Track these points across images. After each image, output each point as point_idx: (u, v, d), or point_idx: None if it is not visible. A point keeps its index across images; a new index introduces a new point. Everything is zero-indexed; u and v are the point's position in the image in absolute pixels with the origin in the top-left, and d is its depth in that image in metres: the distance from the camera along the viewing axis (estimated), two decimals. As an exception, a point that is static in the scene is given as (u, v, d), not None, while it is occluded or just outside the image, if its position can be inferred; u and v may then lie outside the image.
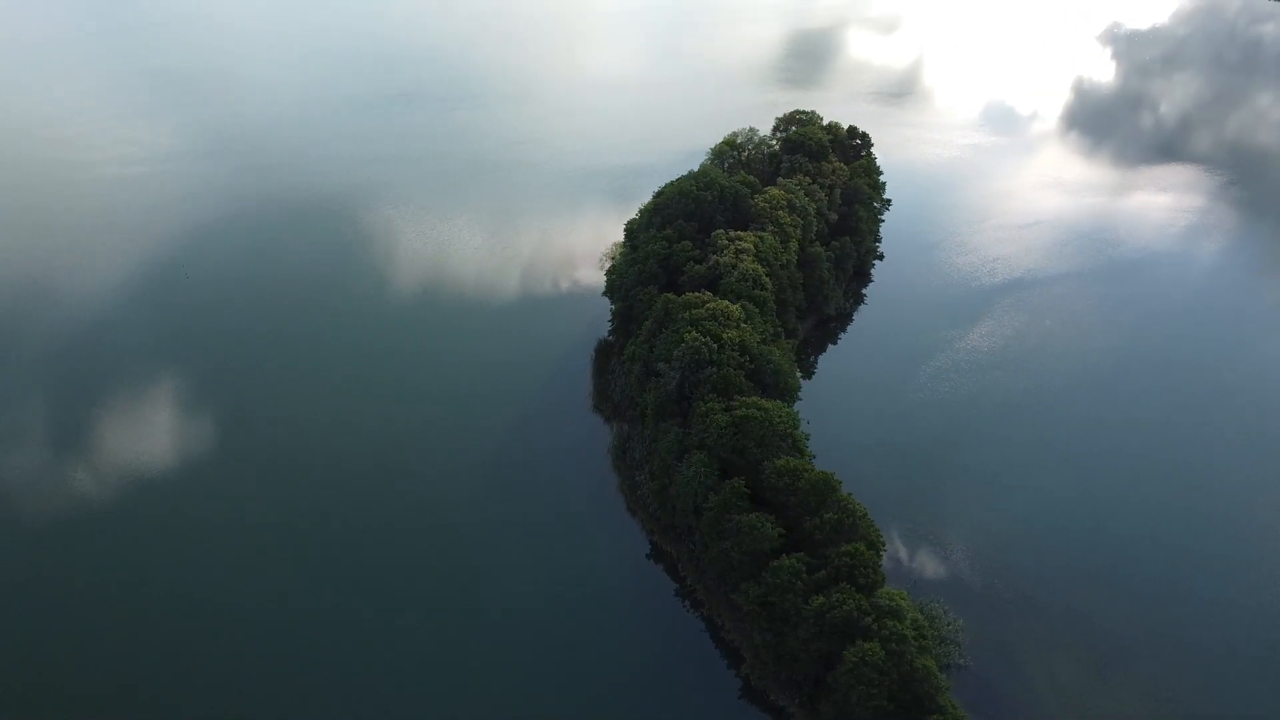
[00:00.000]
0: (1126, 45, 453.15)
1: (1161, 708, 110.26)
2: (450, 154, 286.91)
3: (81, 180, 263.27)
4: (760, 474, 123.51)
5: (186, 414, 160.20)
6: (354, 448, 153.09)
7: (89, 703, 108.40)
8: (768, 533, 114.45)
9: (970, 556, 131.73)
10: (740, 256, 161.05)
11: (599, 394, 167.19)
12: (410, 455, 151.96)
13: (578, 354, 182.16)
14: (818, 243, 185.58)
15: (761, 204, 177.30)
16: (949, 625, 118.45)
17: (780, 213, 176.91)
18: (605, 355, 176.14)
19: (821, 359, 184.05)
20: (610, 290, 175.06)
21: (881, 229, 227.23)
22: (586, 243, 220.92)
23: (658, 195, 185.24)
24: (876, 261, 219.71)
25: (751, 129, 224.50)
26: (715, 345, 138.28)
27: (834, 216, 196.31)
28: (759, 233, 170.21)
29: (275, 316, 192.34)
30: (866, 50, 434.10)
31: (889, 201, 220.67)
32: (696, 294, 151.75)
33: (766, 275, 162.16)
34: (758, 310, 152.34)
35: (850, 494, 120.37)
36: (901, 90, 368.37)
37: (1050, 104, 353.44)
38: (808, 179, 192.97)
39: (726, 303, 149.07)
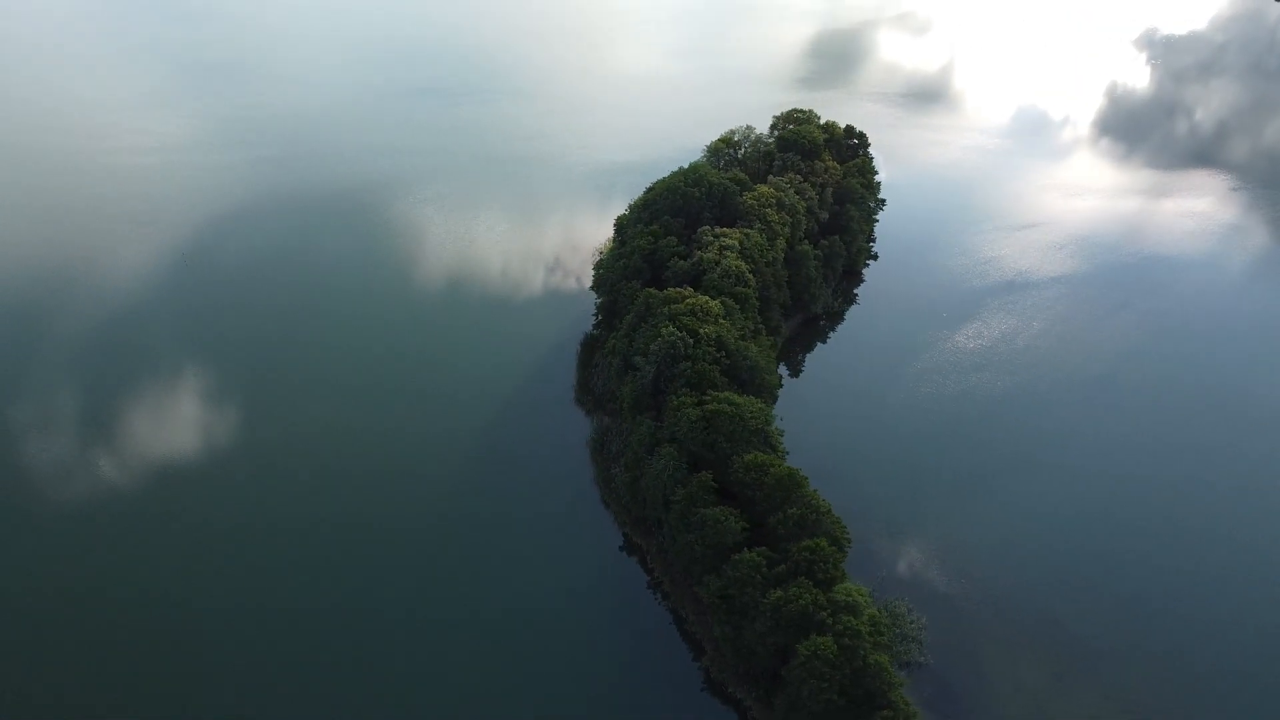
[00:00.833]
0: (1159, 51, 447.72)
1: (1122, 712, 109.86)
2: (457, 148, 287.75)
3: (105, 168, 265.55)
4: (729, 469, 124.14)
5: (156, 405, 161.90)
6: (334, 440, 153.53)
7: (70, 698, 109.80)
8: (731, 526, 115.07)
9: (941, 556, 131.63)
10: (724, 253, 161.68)
11: (582, 387, 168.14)
12: (391, 448, 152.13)
13: (566, 347, 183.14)
14: (807, 241, 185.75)
15: (750, 201, 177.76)
16: (912, 623, 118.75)
17: (768, 210, 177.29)
18: (591, 349, 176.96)
19: (807, 357, 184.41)
20: (597, 285, 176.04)
21: (878, 229, 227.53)
22: (585, 237, 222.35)
23: (648, 191, 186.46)
24: (870, 261, 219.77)
25: (749, 127, 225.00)
26: (691, 340, 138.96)
27: (825, 215, 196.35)
28: (745, 230, 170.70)
29: (267, 308, 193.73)
30: (892, 51, 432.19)
31: (883, 201, 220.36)
32: (677, 289, 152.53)
33: (750, 272, 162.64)
34: (738, 307, 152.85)
35: (816, 490, 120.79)
36: (918, 92, 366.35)
37: (1067, 109, 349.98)
38: (799, 177, 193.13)
39: (706, 298, 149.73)
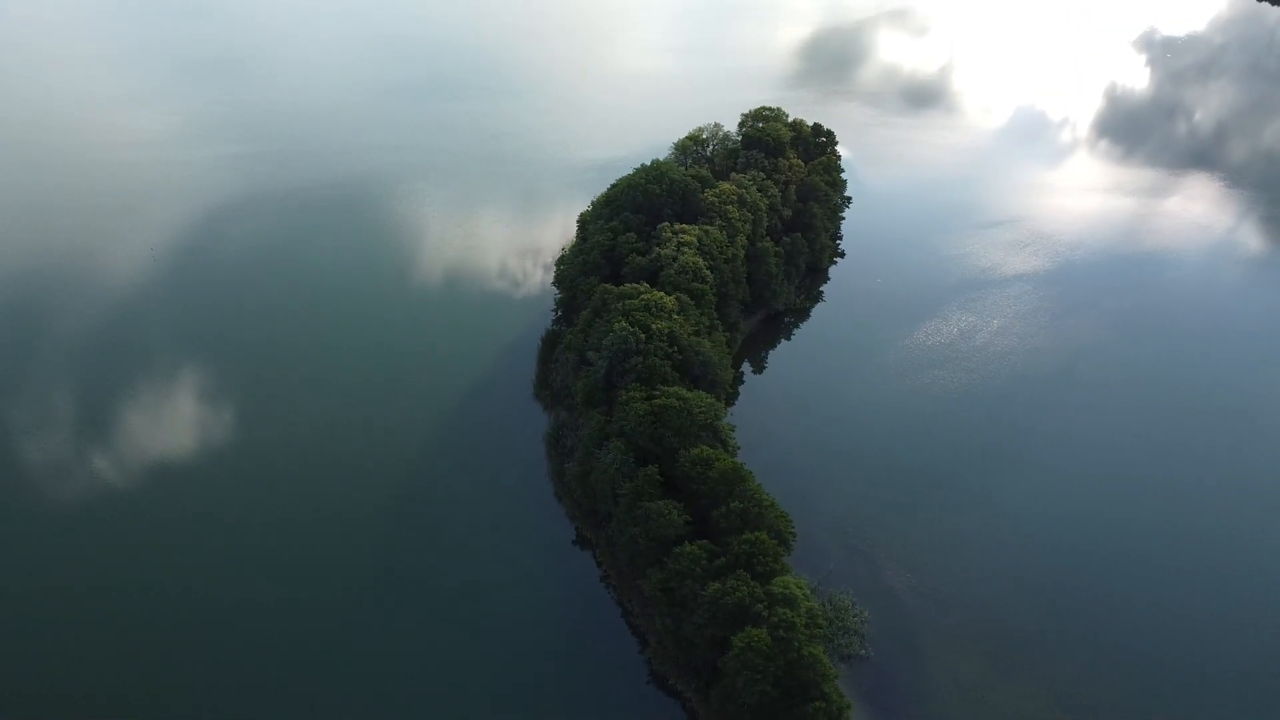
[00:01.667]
0: (1161, 51, 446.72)
1: (1061, 704, 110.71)
2: (436, 145, 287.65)
3: (99, 163, 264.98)
4: (676, 463, 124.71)
5: (119, 395, 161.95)
6: (291, 432, 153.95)
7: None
8: (674, 520, 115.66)
9: (888, 551, 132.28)
10: (682, 249, 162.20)
11: (541, 382, 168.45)
12: (348, 441, 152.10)
13: (528, 343, 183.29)
14: (768, 238, 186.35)
15: (711, 198, 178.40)
16: (855, 617, 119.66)
17: (729, 207, 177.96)
18: (552, 345, 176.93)
19: (770, 354, 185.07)
20: (558, 280, 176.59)
21: (851, 228, 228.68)
22: (557, 233, 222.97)
23: (612, 188, 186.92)
24: (838, 259, 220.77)
25: (717, 124, 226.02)
26: (643, 336, 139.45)
27: (788, 212, 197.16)
28: (705, 226, 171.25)
29: (234, 302, 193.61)
30: (883, 51, 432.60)
31: (849, 199, 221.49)
32: (633, 285, 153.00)
33: (708, 269, 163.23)
34: (693, 303, 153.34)
35: (761, 485, 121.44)
36: (905, 92, 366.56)
37: (1061, 109, 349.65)
38: (762, 174, 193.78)
39: (661, 294, 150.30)
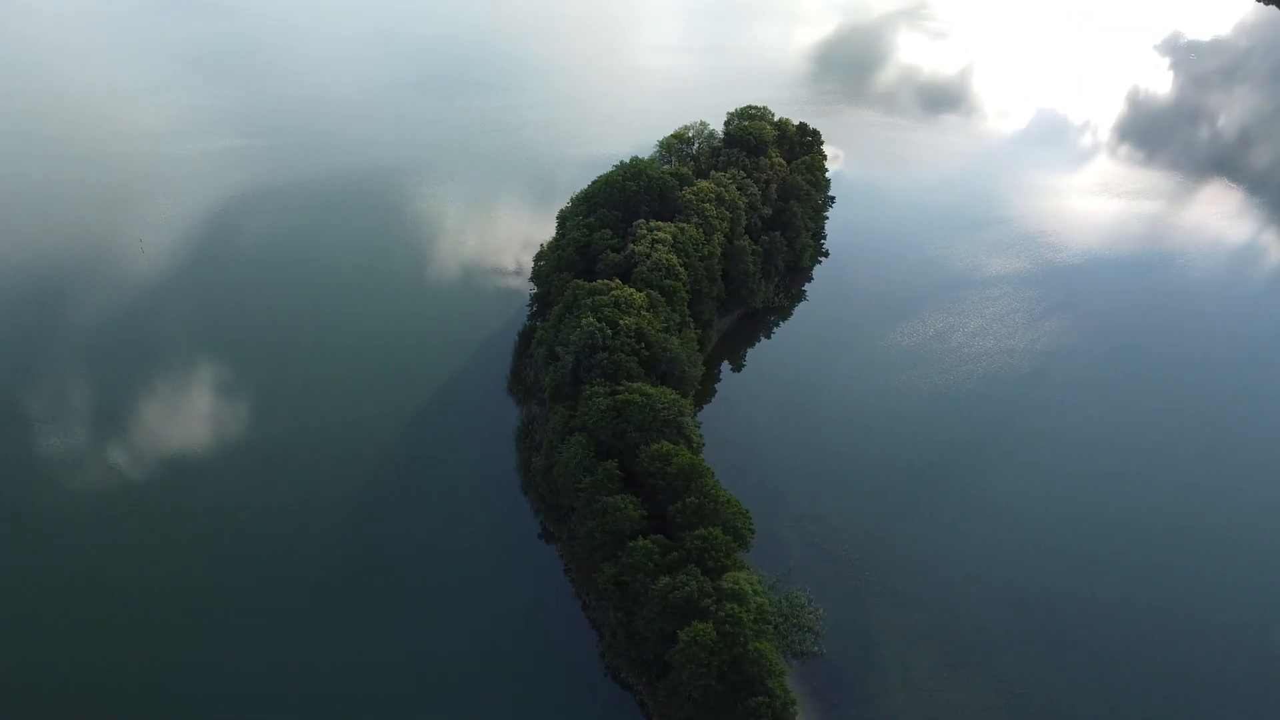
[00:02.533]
0: (1182, 57, 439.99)
1: (1008, 704, 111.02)
2: (432, 141, 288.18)
3: (114, 155, 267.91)
4: (637, 458, 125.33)
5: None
6: (264, 422, 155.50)
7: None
8: (629, 514, 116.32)
9: (851, 549, 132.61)
10: (656, 246, 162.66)
11: (515, 377, 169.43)
12: (321, 434, 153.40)
13: (506, 338, 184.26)
14: (747, 236, 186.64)
15: (688, 196, 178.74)
16: (811, 614, 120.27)
17: (707, 205, 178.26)
18: (528, 340, 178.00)
19: (743, 351, 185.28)
20: (535, 276, 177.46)
21: (837, 227, 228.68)
22: (542, 230, 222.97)
23: (592, 185, 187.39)
24: (822, 259, 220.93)
25: (702, 123, 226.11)
26: (610, 331, 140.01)
27: (768, 211, 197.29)
28: (681, 224, 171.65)
29: (219, 296, 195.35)
30: (894, 51, 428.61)
31: (832, 198, 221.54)
32: (605, 281, 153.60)
33: (682, 266, 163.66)
34: (664, 300, 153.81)
35: (718, 481, 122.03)
36: (911, 93, 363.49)
37: (1075, 112, 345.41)
38: (741, 173, 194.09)
39: (632, 290, 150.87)
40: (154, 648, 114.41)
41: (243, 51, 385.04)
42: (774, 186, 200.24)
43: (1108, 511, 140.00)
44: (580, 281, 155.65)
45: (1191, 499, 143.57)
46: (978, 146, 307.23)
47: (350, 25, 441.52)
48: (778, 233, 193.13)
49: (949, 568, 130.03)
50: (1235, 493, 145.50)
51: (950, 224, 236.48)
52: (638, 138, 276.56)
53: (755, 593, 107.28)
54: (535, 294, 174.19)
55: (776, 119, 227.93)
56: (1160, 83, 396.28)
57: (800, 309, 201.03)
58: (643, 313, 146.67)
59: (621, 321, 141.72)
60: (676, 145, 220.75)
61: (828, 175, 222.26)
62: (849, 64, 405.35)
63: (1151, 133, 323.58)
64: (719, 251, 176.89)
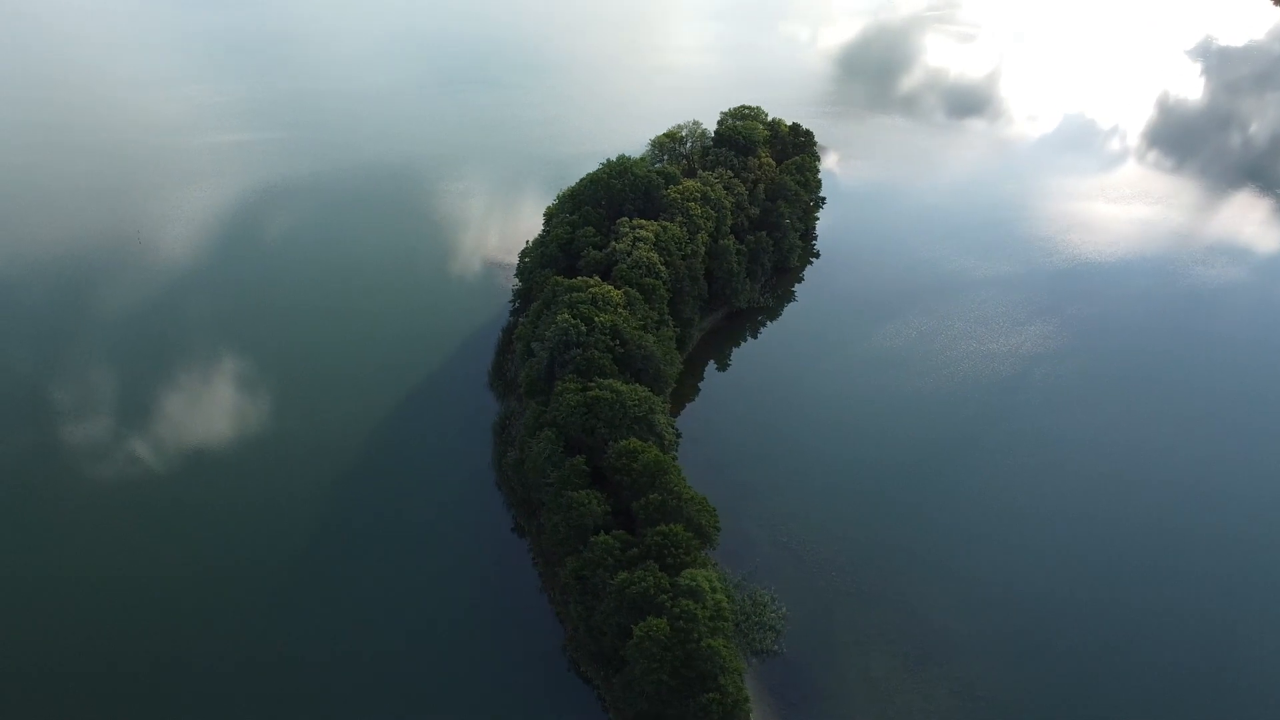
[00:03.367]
0: (1219, 62, 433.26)
1: (965, 706, 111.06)
2: (444, 137, 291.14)
3: (131, 145, 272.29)
4: (605, 454, 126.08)
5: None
6: (247, 415, 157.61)
7: None
8: (593, 509, 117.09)
9: (819, 549, 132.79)
10: (637, 244, 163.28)
11: (496, 372, 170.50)
12: (302, 426, 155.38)
13: (490, 333, 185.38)
14: (732, 235, 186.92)
15: (673, 194, 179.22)
16: (774, 613, 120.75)
17: (691, 204, 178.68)
18: (510, 335, 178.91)
19: (725, 351, 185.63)
20: (518, 272, 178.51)
21: (832, 228, 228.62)
22: (536, 226, 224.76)
23: (579, 182, 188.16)
24: (813, 259, 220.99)
25: (696, 122, 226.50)
26: (585, 328, 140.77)
27: (755, 211, 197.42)
28: (664, 222, 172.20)
29: (219, 286, 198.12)
30: (923, 55, 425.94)
31: (823, 199, 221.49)
32: (584, 278, 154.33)
33: (663, 264, 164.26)
34: (643, 298, 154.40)
35: (684, 478, 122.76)
36: (929, 97, 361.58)
37: (1083, 118, 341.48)
38: (729, 172, 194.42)
39: (610, 287, 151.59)
40: (157, 625, 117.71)
41: (261, 45, 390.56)
42: (762, 186, 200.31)
43: (1077, 516, 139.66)
44: (559, 278, 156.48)
45: (1162, 503, 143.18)
46: (992, 152, 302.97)
47: (374, 22, 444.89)
48: (764, 233, 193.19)
49: (916, 569, 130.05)
50: (1205, 496, 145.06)
51: (948, 229, 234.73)
52: (648, 136, 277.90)
53: (713, 590, 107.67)
54: (518, 290, 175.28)
55: (770, 119, 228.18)
56: (1190, 88, 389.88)
57: (789, 309, 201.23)
58: (619, 310, 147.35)
59: (597, 319, 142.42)
60: (669, 144, 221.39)
61: (820, 176, 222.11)
62: (865, 66, 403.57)
63: (1172, 139, 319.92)
64: (703, 250, 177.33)
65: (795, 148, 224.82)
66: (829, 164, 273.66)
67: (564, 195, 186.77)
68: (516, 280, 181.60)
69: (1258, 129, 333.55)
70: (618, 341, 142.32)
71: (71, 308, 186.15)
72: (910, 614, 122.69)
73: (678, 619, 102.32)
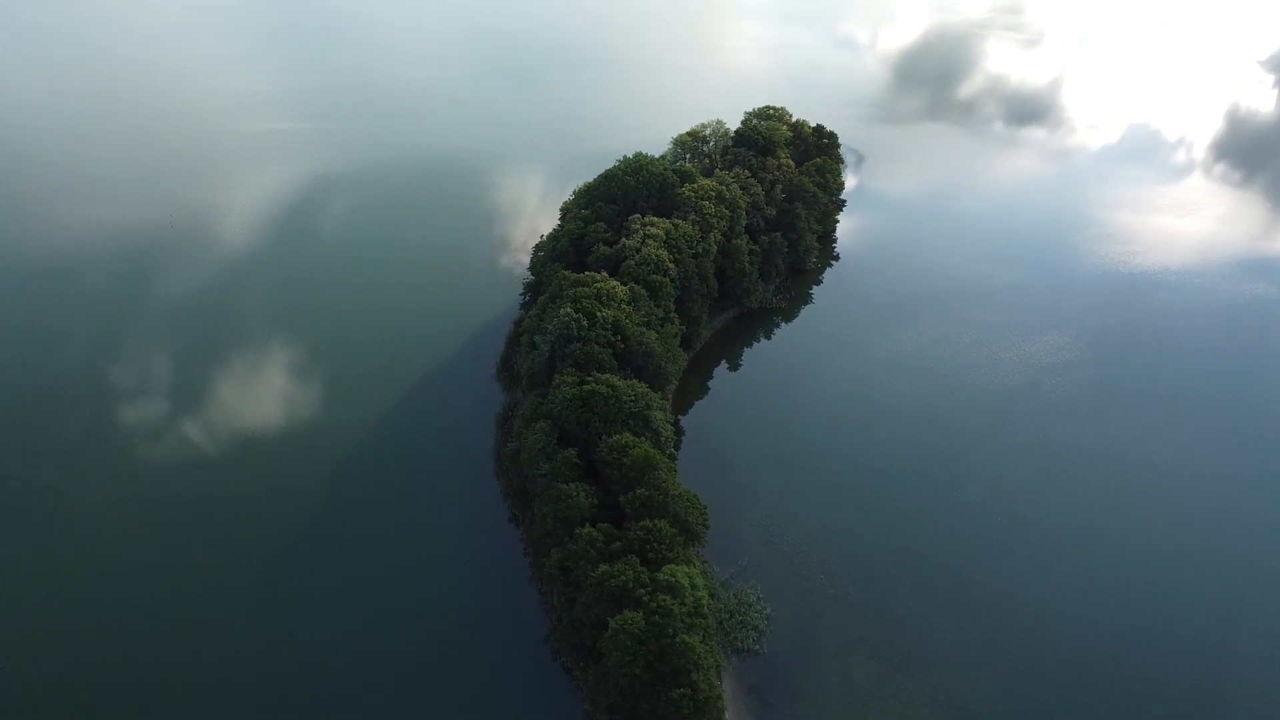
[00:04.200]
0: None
1: (945, 713, 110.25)
2: (486, 132, 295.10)
3: (168, 133, 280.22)
4: (598, 448, 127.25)
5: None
6: (249, 401, 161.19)
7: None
8: (580, 501, 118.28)
9: (809, 551, 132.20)
10: (647, 241, 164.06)
11: (504, 364, 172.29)
12: (310, 416, 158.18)
13: (503, 324, 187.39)
14: (746, 235, 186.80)
15: (687, 193, 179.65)
16: (757, 613, 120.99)
17: (705, 203, 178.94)
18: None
19: (734, 350, 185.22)
20: (532, 266, 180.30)
21: (856, 231, 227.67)
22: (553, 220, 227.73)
23: (596, 178, 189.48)
24: (834, 261, 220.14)
25: (719, 121, 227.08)
26: (586, 323, 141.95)
27: (772, 211, 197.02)
28: (676, 220, 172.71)
29: (239, 271, 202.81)
30: (987, 62, 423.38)
31: (843, 202, 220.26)
32: (590, 274, 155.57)
33: (672, 262, 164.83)
34: (648, 295, 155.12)
35: (675, 474, 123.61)
36: (978, 103, 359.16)
37: (1142, 129, 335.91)
38: (746, 172, 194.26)
39: (615, 283, 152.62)
40: (170, 602, 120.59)
41: (317, 38, 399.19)
42: (780, 187, 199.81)
43: (1071, 530, 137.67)
44: (566, 272, 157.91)
45: (1156, 519, 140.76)
46: (1032, 162, 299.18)
47: (437, 20, 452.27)
48: (779, 234, 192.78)
49: (906, 576, 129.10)
50: (1199, 514, 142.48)
51: (976, 237, 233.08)
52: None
53: (694, 587, 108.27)
54: (529, 283, 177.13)
55: (794, 120, 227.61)
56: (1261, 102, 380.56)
57: (804, 311, 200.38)
58: (623, 306, 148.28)
59: (599, 314, 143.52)
60: (690, 143, 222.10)
61: (842, 179, 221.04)
62: (916, 71, 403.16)
63: (1227, 152, 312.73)
64: (715, 249, 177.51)
65: (818, 149, 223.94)
66: (867, 168, 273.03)
67: (580, 191, 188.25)
68: (529, 274, 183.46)
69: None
70: (619, 337, 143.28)
71: (71, 296, 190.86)
72: (896, 621, 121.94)
73: (654, 614, 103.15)
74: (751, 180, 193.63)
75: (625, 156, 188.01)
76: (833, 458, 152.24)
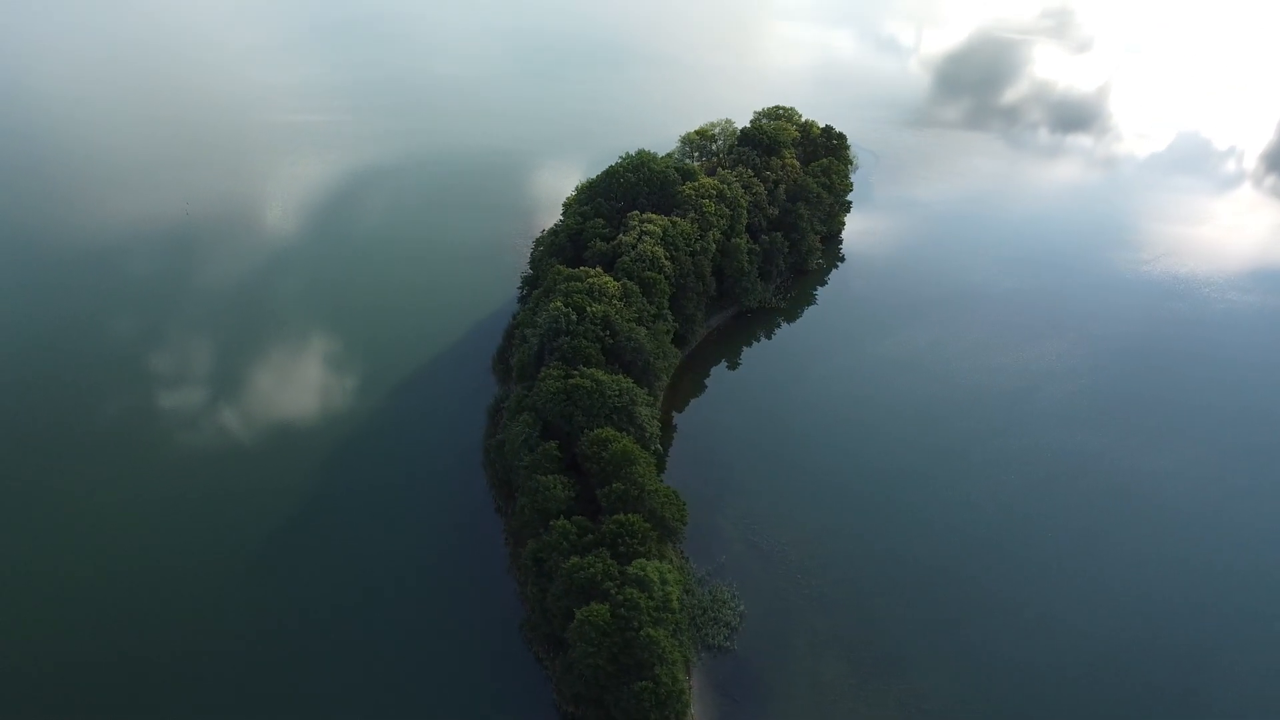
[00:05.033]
0: None
1: (914, 714, 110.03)
2: (511, 129, 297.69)
3: (196, 123, 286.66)
4: (579, 442, 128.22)
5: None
6: (250, 388, 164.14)
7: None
8: (557, 494, 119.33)
9: (788, 551, 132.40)
10: (643, 238, 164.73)
11: (500, 356, 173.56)
12: (304, 405, 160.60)
13: (501, 318, 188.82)
14: (746, 235, 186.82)
15: (688, 191, 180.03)
16: (730, 610, 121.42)
17: (706, 201, 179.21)
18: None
19: (730, 349, 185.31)
20: (531, 260, 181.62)
21: (865, 235, 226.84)
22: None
23: (599, 175, 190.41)
24: (839, 263, 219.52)
25: (728, 120, 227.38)
26: (575, 317, 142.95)
27: (774, 211, 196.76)
28: (674, 218, 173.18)
29: (237, 259, 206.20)
30: (1023, 69, 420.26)
31: (849, 204, 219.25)
32: (584, 269, 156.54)
33: (668, 259, 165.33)
34: (640, 291, 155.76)
35: (653, 470, 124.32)
36: (1013, 110, 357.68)
37: (1183, 138, 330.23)
38: (749, 171, 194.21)
39: (608, 278, 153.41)
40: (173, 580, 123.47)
41: (360, 32, 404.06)
42: (783, 187, 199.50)
43: (1054, 538, 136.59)
44: (561, 267, 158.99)
45: (1144, 527, 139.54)
46: (1049, 170, 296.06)
47: (480, 16, 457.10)
48: (780, 233, 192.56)
49: (883, 578, 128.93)
50: (1191, 523, 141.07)
51: (984, 242, 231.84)
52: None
53: (664, 582, 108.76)
54: (527, 277, 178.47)
55: (803, 120, 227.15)
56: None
57: (805, 311, 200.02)
58: (614, 301, 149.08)
59: (589, 308, 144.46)
60: (699, 141, 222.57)
61: (850, 180, 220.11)
62: (953, 77, 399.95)
63: (1245, 159, 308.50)
64: (713, 248, 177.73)
65: (826, 150, 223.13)
66: (881, 170, 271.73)
67: (583, 187, 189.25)
68: (528, 268, 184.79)
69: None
70: (608, 332, 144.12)
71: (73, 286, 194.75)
72: (870, 622, 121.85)
73: (620, 606, 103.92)
74: (754, 179, 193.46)
75: (627, 153, 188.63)
76: (823, 458, 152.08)
